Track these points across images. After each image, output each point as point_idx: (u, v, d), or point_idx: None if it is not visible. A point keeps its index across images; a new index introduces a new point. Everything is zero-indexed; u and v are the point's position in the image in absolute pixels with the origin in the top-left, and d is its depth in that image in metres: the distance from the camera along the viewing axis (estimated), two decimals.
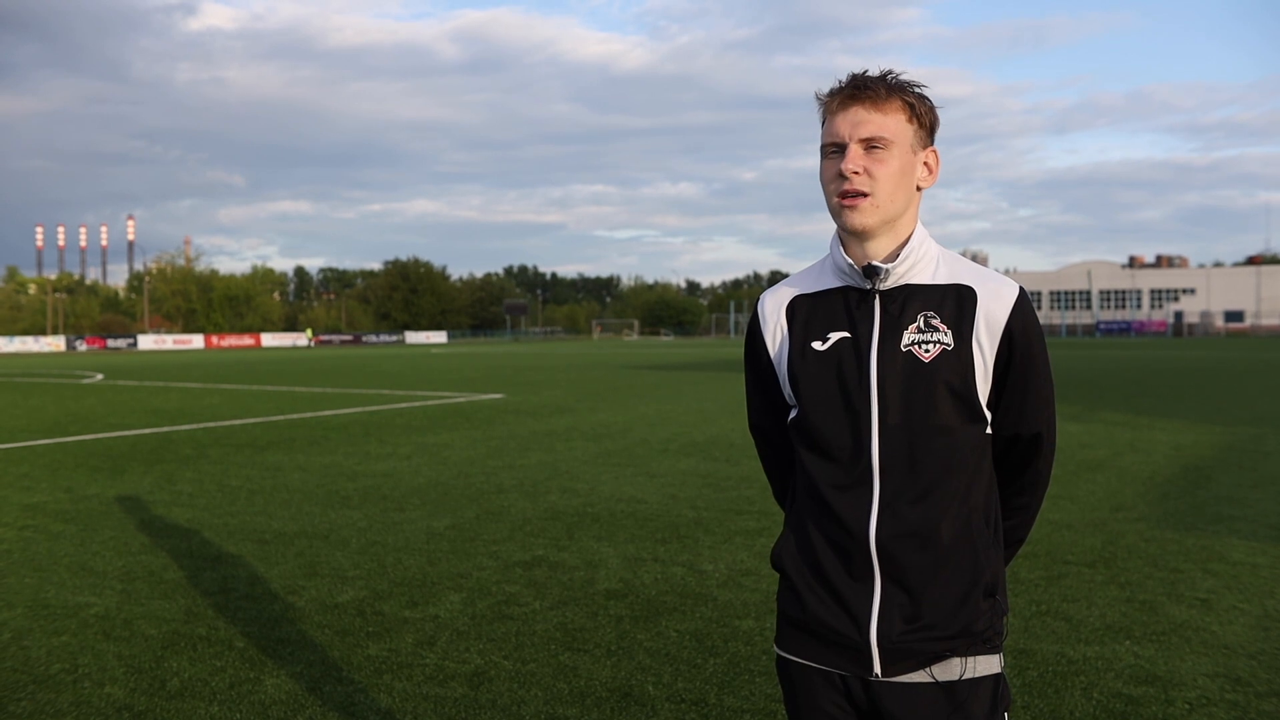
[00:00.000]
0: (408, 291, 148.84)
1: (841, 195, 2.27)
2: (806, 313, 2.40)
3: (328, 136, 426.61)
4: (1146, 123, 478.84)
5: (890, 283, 2.30)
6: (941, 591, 2.26)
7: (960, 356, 2.26)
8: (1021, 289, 2.32)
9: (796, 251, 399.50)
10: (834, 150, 2.29)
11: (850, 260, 2.32)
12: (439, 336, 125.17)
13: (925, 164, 2.35)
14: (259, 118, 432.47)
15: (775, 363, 2.45)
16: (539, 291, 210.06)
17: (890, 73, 2.30)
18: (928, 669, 2.27)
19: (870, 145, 2.25)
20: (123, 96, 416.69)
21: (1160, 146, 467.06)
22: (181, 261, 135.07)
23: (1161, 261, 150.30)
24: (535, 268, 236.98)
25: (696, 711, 4.74)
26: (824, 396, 2.32)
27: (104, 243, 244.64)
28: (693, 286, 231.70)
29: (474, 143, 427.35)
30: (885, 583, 2.27)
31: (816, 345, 2.35)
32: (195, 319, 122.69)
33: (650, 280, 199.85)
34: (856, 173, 2.24)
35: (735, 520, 8.93)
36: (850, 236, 2.32)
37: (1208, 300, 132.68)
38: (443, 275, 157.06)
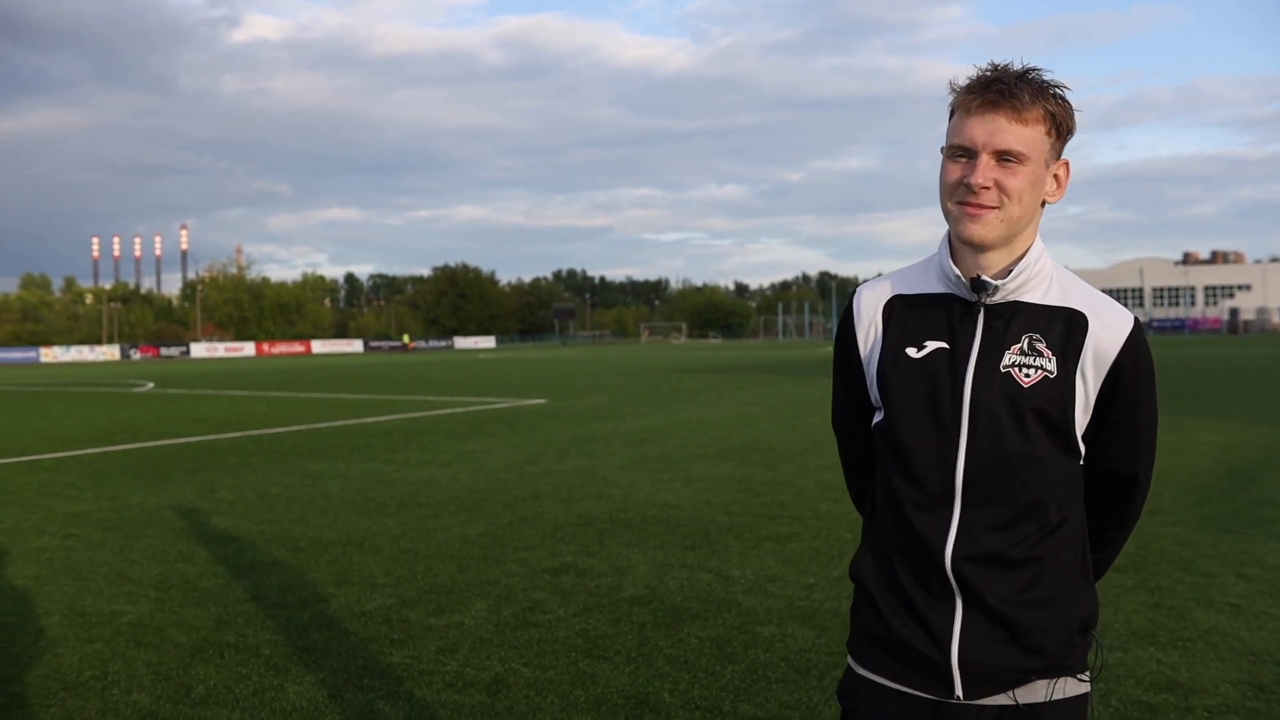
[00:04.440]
0: (456, 297, 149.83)
1: (963, 204, 2.14)
2: (904, 315, 2.27)
3: (374, 144, 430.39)
4: (1196, 117, 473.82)
5: (998, 298, 2.18)
6: (1029, 621, 2.16)
7: (1061, 386, 2.15)
8: (1136, 320, 2.20)
9: (844, 253, 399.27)
10: (961, 154, 2.14)
11: (958, 271, 2.19)
12: (487, 342, 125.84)
13: (1055, 176, 2.20)
14: (305, 127, 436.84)
15: (865, 363, 2.33)
16: (587, 295, 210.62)
17: (1032, 71, 2.13)
18: (1010, 692, 2.18)
19: (1003, 157, 2.10)
20: (171, 109, 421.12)
21: (1212, 141, 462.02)
22: (233, 270, 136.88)
23: (1216, 257, 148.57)
24: (583, 272, 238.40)
25: (710, 719, 4.76)
26: (913, 407, 2.21)
27: (158, 252, 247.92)
28: (741, 289, 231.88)
29: (519, 148, 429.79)
30: (965, 606, 2.17)
31: (911, 352, 2.23)
32: (247, 327, 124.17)
33: (698, 283, 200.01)
34: (986, 187, 2.11)
35: (767, 525, 8.92)
36: (964, 245, 2.20)
37: (1264, 296, 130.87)
38: (491, 280, 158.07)
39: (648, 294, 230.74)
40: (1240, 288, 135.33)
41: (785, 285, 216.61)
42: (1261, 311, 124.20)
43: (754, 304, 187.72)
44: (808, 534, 8.54)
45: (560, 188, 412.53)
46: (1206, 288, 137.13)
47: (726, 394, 25.97)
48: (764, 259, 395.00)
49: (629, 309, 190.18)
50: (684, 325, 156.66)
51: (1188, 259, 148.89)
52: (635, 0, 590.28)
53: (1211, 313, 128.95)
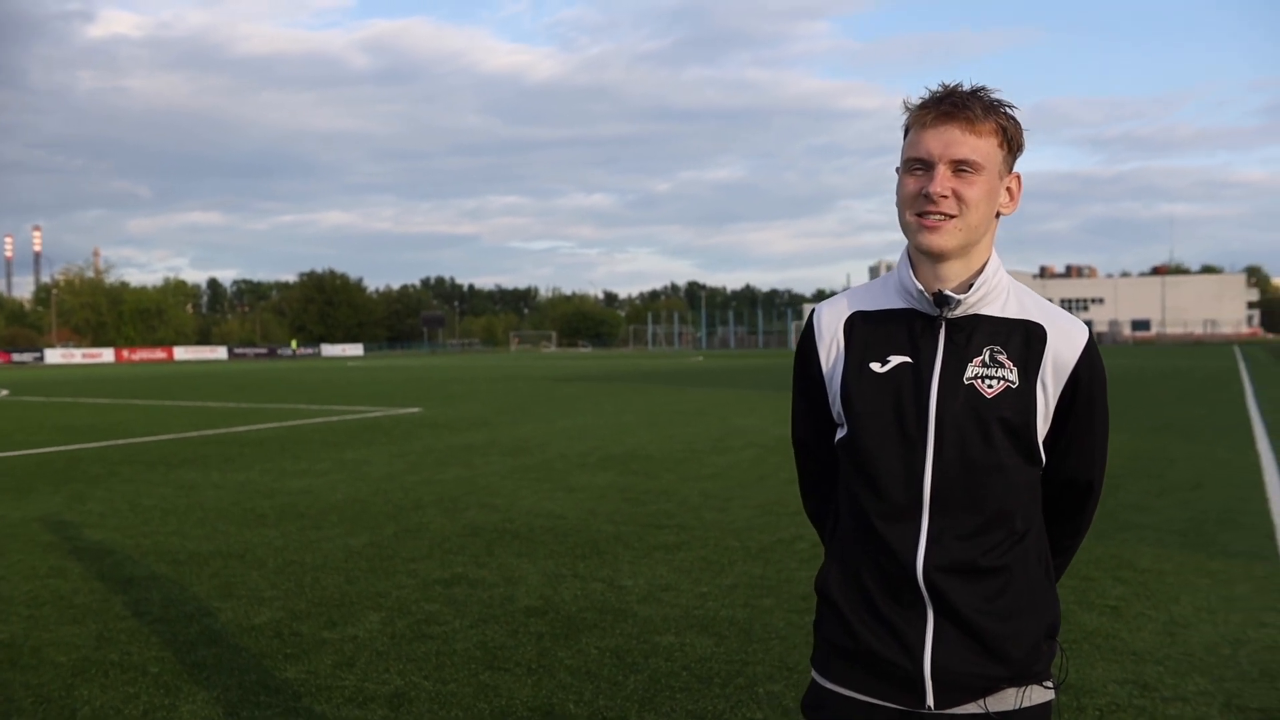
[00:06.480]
0: (323, 304, 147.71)
1: (922, 215, 2.19)
2: (866, 331, 2.31)
3: (238, 146, 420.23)
4: (1051, 135, 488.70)
5: (959, 312, 2.23)
6: (999, 629, 2.21)
7: (1023, 396, 2.21)
8: (1091, 331, 2.28)
9: (712, 263, 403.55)
10: (918, 167, 2.20)
11: (920, 285, 2.25)
12: (355, 349, 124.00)
13: (1008, 189, 2.28)
14: (166, 127, 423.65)
15: (827, 379, 2.36)
16: (456, 304, 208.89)
17: (983, 89, 2.22)
18: (981, 700, 2.22)
19: (959, 167, 2.17)
20: (22, 105, 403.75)
21: (1065, 159, 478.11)
22: (90, 273, 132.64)
23: (1071, 272, 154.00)
24: (452, 279, 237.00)
25: None
26: (878, 421, 2.25)
27: (9, 254, 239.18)
28: (610, 298, 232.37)
29: (387, 153, 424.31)
30: (937, 616, 2.21)
31: (875, 367, 2.27)
32: (105, 332, 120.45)
33: (568, 291, 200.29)
34: (945, 196, 2.16)
35: (654, 535, 8.95)
36: (923, 257, 2.25)
37: (1116, 309, 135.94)
38: (358, 287, 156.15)
39: (517, 302, 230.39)
40: (1094, 301, 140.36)
41: (654, 295, 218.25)
42: (1114, 324, 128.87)
43: (623, 313, 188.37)
44: (696, 543, 8.59)
45: (428, 194, 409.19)
46: (1062, 300, 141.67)
47: (601, 402, 26.00)
48: (632, 268, 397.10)
49: (498, 317, 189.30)
50: (554, 334, 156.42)
51: (1044, 273, 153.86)
52: (504, 7, 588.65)
53: None
